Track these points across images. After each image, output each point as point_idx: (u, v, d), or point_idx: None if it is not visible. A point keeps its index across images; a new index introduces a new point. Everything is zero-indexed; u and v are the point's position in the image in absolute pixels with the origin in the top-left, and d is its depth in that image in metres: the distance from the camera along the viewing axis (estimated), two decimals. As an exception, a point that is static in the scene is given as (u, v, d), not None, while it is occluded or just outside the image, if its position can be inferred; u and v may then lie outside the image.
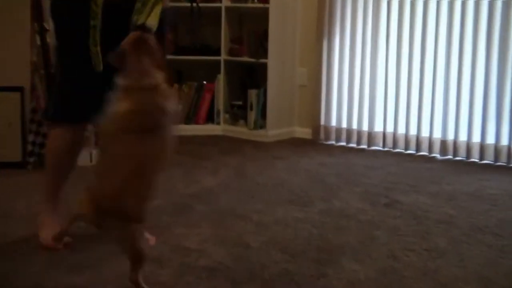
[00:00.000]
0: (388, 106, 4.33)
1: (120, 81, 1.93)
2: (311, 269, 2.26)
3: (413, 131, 4.24)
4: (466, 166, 3.94)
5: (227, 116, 4.85)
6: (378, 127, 4.39)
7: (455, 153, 4.09)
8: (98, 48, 2.26)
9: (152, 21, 2.16)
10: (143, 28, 2.12)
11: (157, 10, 2.19)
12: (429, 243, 2.55)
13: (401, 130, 4.29)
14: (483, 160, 4.00)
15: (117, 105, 1.90)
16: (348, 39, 4.45)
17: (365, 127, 4.43)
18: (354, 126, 4.47)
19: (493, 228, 2.74)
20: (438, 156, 4.15)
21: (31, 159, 3.58)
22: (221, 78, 4.79)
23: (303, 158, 4.07)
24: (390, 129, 4.34)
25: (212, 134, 4.76)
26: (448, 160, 4.09)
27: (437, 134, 4.15)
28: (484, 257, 2.41)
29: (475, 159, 4.03)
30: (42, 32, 3.58)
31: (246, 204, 3.03)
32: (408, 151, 4.26)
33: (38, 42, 3.58)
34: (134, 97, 1.90)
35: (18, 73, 3.63)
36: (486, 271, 2.27)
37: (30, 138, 3.57)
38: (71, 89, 2.35)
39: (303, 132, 4.78)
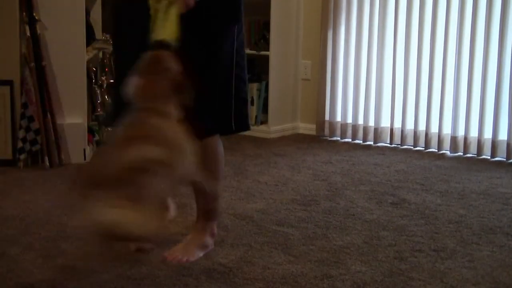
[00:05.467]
0: (396, 100, 4.35)
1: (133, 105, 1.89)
2: (315, 270, 2.28)
3: (422, 127, 4.26)
4: (477, 163, 3.95)
5: (226, 111, 4.86)
6: (385, 123, 4.41)
7: (465, 150, 4.11)
8: None
9: (168, 34, 2.04)
10: (159, 45, 2.01)
11: (172, 18, 2.05)
12: (438, 243, 2.56)
13: (410, 125, 4.31)
14: (495, 157, 4.01)
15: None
16: (354, 30, 4.46)
17: (371, 123, 4.44)
18: (360, 121, 4.49)
19: (505, 228, 2.75)
20: (448, 153, 4.16)
21: (22, 157, 3.61)
22: (220, 71, 4.80)
23: (306, 155, 4.08)
24: (397, 124, 4.35)
25: (211, 130, 4.77)
26: (459, 157, 4.10)
27: (447, 130, 4.16)
28: (495, 259, 2.42)
29: (486, 156, 4.04)
30: (32, 22, 3.60)
31: (247, 204, 3.05)
32: (417, 148, 4.28)
33: (28, 33, 3.60)
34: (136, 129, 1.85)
35: (6, 66, 3.64)
36: (497, 273, 2.29)
37: (21, 134, 3.60)
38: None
39: (306, 128, 4.79)
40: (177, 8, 2.05)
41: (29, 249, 2.44)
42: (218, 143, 2.40)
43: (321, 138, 4.61)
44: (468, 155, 4.10)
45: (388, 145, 4.38)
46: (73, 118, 3.70)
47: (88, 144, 3.80)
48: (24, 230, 2.65)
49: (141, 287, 2.14)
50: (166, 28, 2.04)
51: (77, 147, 3.72)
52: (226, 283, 2.17)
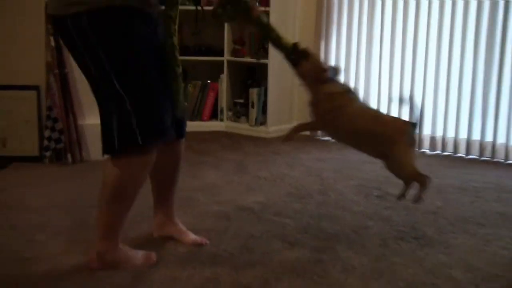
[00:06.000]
0: (381, 103, 4.37)
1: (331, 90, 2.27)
2: (309, 256, 2.29)
3: (404, 128, 4.27)
4: (453, 160, 3.97)
5: (230, 113, 4.88)
6: (372, 124, 4.42)
7: (443, 149, 4.13)
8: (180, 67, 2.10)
9: (286, 39, 2.29)
10: (301, 48, 2.29)
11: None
12: (418, 232, 2.57)
13: (393, 126, 4.32)
14: (469, 155, 4.03)
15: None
16: (344, 40, 4.48)
17: (359, 124, 4.46)
18: (349, 122, 4.50)
19: (477, 218, 2.77)
20: (427, 151, 4.18)
21: (47, 154, 3.63)
22: (224, 77, 4.82)
23: (301, 154, 4.09)
24: (383, 125, 4.37)
25: (216, 130, 4.79)
26: (437, 155, 4.11)
27: (427, 131, 4.18)
28: (468, 245, 2.44)
29: (461, 154, 4.07)
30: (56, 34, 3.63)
31: (248, 197, 3.05)
32: (400, 147, 4.29)
33: (52, 43, 3.62)
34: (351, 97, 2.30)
35: (34, 73, 3.67)
36: (470, 258, 2.30)
37: (46, 134, 3.62)
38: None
39: (301, 128, 4.80)
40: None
41: (55, 235, 2.46)
42: None
43: (314, 138, 4.61)
44: (446, 153, 4.12)
45: (374, 144, 4.39)
46: (92, 119, 3.70)
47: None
48: (50, 218, 2.67)
49: (154, 270, 2.15)
50: (284, 36, 2.31)
51: (96, 145, 3.68)
52: (230, 267, 2.18)
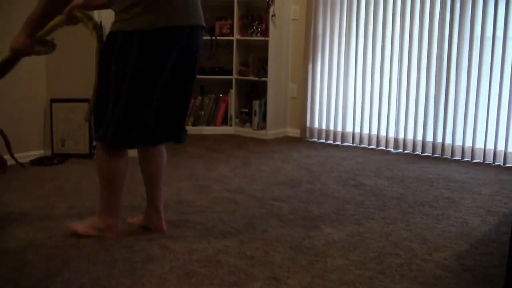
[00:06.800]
0: (356, 113, 4.36)
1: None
2: (299, 232, 2.29)
3: (374, 131, 4.27)
4: (412, 157, 3.95)
5: (237, 120, 4.87)
6: (349, 128, 4.42)
7: (404, 148, 4.12)
8: None
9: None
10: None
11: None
12: (385, 213, 2.58)
13: (366, 130, 4.32)
14: (424, 153, 4.01)
15: None
16: (326, 64, 4.48)
17: (339, 128, 4.46)
18: (331, 127, 4.50)
19: (430, 202, 2.77)
20: (392, 150, 4.17)
21: (95, 151, 3.62)
22: (233, 92, 4.82)
23: (293, 152, 4.09)
24: (357, 129, 4.36)
25: (226, 133, 4.78)
26: (399, 153, 4.10)
27: (392, 134, 4.17)
28: (423, 223, 2.44)
29: (418, 152, 4.06)
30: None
31: (251, 185, 3.06)
32: (371, 146, 4.29)
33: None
34: None
35: (85, 88, 3.65)
36: (425, 233, 2.31)
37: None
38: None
39: (293, 132, 4.81)
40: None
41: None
42: None
43: (303, 139, 4.61)
44: (406, 151, 4.11)
45: (351, 144, 4.39)
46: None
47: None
48: (98, 202, 2.66)
49: (176, 243, 2.14)
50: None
51: (133, 145, 3.74)
52: (237, 240, 2.18)
